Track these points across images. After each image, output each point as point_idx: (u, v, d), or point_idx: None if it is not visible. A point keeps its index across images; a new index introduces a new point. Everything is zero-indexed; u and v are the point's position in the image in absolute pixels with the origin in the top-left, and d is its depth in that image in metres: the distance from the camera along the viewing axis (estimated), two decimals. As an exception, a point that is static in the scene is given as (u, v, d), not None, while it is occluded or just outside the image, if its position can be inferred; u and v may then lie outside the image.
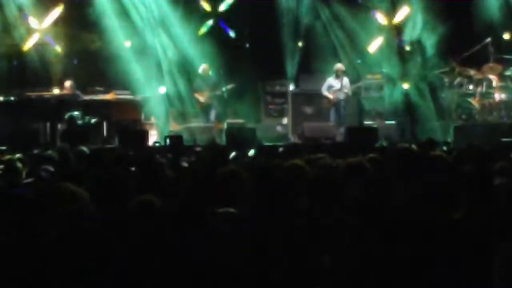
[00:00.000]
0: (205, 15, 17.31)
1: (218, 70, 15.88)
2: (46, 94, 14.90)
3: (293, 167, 5.25)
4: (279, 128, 16.25)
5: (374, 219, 4.28)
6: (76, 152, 8.37)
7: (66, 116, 13.60)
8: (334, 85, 15.38)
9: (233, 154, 8.83)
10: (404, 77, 16.82)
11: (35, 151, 8.28)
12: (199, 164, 6.90)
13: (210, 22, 17.34)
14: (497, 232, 4.00)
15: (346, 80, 15.45)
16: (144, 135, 13.99)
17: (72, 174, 5.87)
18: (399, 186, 5.06)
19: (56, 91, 15.38)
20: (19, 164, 6.65)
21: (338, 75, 15.38)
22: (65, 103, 14.12)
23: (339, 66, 15.48)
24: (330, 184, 4.90)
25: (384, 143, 10.46)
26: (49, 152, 7.85)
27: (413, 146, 9.72)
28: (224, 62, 16.12)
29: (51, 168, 6.33)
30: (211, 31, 17.27)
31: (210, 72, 15.78)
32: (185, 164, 7.01)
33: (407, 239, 4.07)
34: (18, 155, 7.99)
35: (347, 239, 4.26)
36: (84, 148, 8.97)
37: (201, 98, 15.76)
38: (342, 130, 14.99)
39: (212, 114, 15.76)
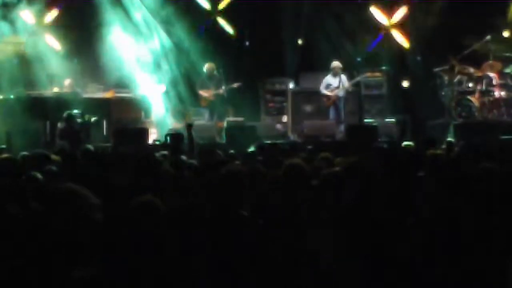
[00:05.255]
0: (204, 13, 17.29)
1: (218, 69, 15.85)
2: (46, 93, 14.89)
3: (291, 166, 5.25)
4: (278, 126, 16.24)
5: (373, 219, 4.28)
6: (82, 151, 8.38)
7: (65, 115, 13.56)
8: (332, 83, 15.35)
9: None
10: (403, 75, 16.83)
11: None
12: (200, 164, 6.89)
13: (209, 20, 17.32)
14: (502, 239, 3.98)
15: (344, 78, 15.42)
16: (144, 133, 13.99)
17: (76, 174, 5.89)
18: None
19: (56, 90, 15.38)
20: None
21: (335, 73, 15.34)
22: (64, 101, 14.09)
23: (336, 64, 15.43)
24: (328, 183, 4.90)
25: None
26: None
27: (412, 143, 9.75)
28: (224, 60, 16.10)
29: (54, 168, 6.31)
30: (211, 29, 17.25)
31: (215, 71, 15.75)
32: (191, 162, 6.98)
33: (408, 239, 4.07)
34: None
35: (346, 237, 4.26)
36: (90, 147, 8.99)
37: (206, 96, 15.72)
38: (342, 128, 14.99)
39: (216, 113, 15.73)
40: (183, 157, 7.13)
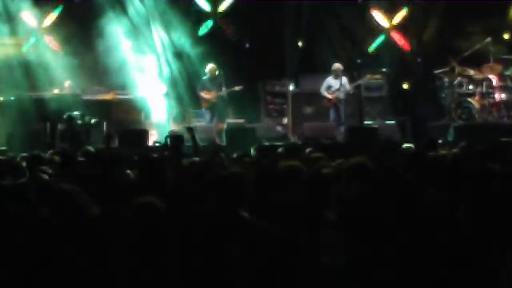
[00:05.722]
0: (205, 15, 17.30)
1: (219, 70, 15.85)
2: (46, 94, 14.90)
3: (290, 168, 5.26)
4: (279, 128, 16.24)
5: (373, 219, 4.28)
6: (82, 152, 8.39)
7: (66, 116, 13.57)
8: (333, 85, 15.35)
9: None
10: (404, 76, 16.85)
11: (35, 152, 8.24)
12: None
13: (210, 22, 17.32)
14: (502, 239, 3.98)
15: (344, 80, 15.42)
16: (144, 135, 13.99)
17: (73, 175, 5.89)
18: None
19: (56, 91, 15.39)
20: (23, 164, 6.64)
21: (336, 75, 15.35)
22: (65, 103, 14.10)
23: (337, 65, 15.42)
24: (327, 184, 4.90)
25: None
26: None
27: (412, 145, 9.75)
28: (224, 62, 16.10)
29: (49, 170, 6.32)
30: (211, 31, 17.25)
31: (216, 72, 15.72)
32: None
33: (407, 240, 4.07)
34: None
35: (346, 237, 4.26)
36: (90, 148, 8.99)
37: (207, 97, 15.70)
38: (342, 130, 14.99)
39: (217, 114, 15.71)
40: (195, 159, 7.10)
